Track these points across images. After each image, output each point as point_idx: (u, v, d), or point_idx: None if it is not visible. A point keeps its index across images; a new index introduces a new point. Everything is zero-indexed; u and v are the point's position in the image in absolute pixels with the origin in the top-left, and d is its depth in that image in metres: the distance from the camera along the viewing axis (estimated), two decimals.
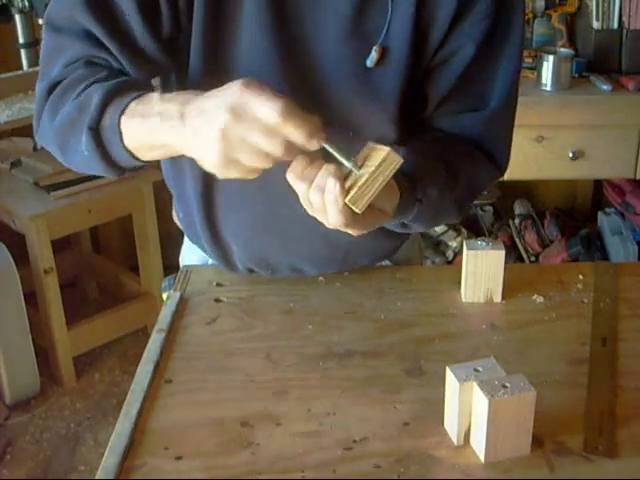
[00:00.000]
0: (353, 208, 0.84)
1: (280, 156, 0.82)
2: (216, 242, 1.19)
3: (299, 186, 0.86)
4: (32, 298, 2.46)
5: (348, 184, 0.85)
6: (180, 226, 1.30)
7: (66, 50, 1.01)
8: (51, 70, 1.02)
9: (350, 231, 0.90)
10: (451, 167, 1.07)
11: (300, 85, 1.04)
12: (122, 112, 0.90)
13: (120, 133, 0.90)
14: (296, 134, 0.80)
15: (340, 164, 0.86)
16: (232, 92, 0.81)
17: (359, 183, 0.84)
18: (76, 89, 0.96)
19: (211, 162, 0.83)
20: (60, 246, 2.66)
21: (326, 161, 0.85)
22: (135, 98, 0.90)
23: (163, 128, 0.86)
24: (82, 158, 0.95)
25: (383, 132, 1.08)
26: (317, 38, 1.02)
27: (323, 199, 0.85)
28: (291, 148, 0.82)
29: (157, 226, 2.66)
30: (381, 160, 0.84)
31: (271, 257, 1.20)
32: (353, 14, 1.01)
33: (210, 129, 0.81)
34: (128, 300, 2.75)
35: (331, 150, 0.84)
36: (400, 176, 0.94)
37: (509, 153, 1.13)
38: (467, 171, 1.11)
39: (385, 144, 0.86)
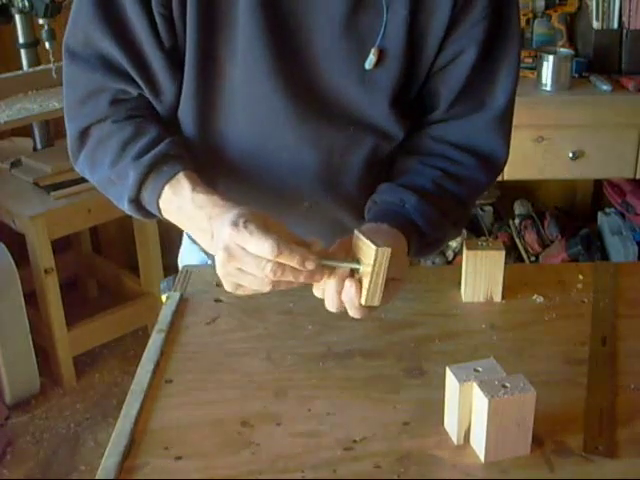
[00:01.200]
0: (370, 305, 0.93)
1: (275, 281, 0.88)
2: None
3: (314, 291, 0.94)
4: (32, 298, 2.46)
5: (357, 278, 0.92)
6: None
7: (85, 77, 1.06)
8: (74, 105, 1.09)
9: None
10: (455, 199, 1.11)
11: (298, 85, 1.05)
12: (158, 196, 1.00)
13: (159, 210, 1.02)
14: (290, 263, 0.86)
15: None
16: (223, 238, 0.88)
17: (365, 284, 0.91)
18: (109, 150, 1.05)
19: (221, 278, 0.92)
20: (60, 246, 2.66)
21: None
22: (168, 181, 1.00)
23: (194, 231, 0.99)
24: (125, 209, 1.06)
25: (384, 126, 1.10)
26: (312, 39, 1.03)
27: (341, 299, 0.92)
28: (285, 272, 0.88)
29: (157, 226, 2.66)
30: (374, 259, 0.90)
31: None
32: (347, 15, 1.01)
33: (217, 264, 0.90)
34: (128, 300, 2.75)
35: (331, 263, 0.92)
36: (410, 228, 1.03)
37: (509, 145, 1.15)
38: (471, 198, 1.15)
39: (374, 240, 0.91)
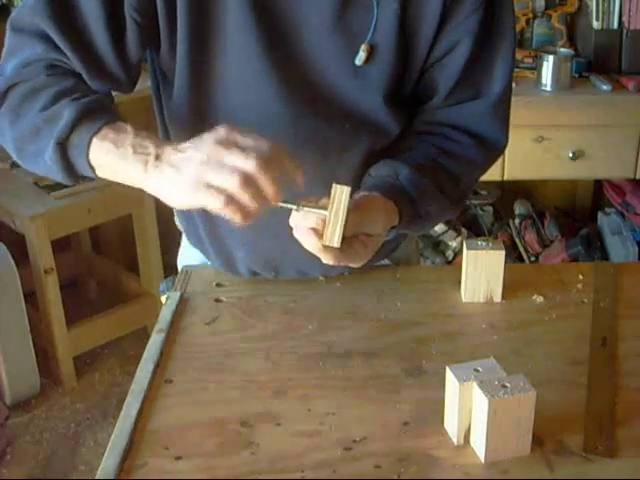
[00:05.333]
0: (332, 245, 0.92)
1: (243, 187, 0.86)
2: (220, 249, 1.19)
3: (294, 232, 0.95)
4: (32, 298, 2.46)
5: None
6: (181, 230, 1.30)
7: (25, 49, 1.02)
8: (6, 66, 1.03)
9: (353, 264, 0.97)
10: (450, 175, 1.11)
11: (291, 84, 1.05)
12: (94, 134, 0.93)
13: (88, 152, 0.93)
14: (277, 162, 0.87)
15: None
16: (206, 146, 0.87)
17: (325, 224, 0.92)
18: (41, 98, 0.98)
19: (184, 185, 0.88)
20: (60, 246, 2.66)
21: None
22: (107, 123, 0.94)
23: (135, 159, 0.91)
24: (43, 165, 0.99)
25: (379, 122, 1.10)
26: (303, 36, 1.03)
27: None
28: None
29: (157, 226, 2.66)
30: (332, 196, 0.90)
31: (276, 260, 1.20)
32: (337, 12, 1.01)
33: (191, 159, 0.88)
34: (128, 300, 2.75)
35: (304, 209, 0.92)
36: (402, 197, 1.02)
37: (508, 130, 1.16)
38: (467, 176, 1.14)
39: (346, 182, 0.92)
